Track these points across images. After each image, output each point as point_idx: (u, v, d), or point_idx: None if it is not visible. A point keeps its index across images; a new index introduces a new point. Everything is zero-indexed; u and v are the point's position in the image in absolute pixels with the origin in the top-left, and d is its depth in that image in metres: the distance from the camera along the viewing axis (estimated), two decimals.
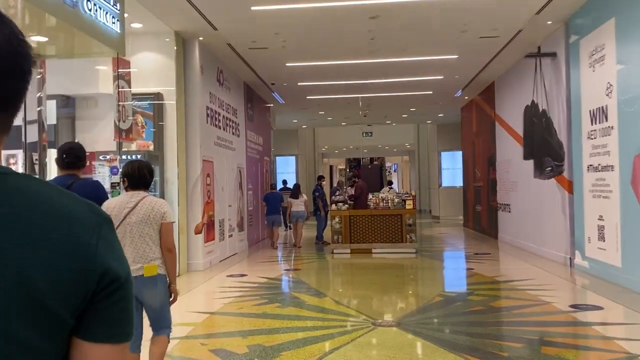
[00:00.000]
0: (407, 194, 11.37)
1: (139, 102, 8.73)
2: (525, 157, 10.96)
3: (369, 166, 14.12)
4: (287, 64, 10.88)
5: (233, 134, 11.73)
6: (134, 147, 8.39)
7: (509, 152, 12.11)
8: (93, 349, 0.76)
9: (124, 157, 8.08)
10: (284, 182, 17.18)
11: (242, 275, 8.46)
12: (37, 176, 6.44)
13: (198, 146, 9.28)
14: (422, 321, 5.48)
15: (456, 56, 10.51)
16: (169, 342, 3.45)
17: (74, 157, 3.40)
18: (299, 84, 12.87)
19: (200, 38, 9.20)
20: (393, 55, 10.38)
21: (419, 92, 14.25)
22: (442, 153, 22.36)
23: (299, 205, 12.45)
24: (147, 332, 3.37)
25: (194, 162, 9.23)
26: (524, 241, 11.11)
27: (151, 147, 8.67)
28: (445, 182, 22.22)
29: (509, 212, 12.30)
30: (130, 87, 8.08)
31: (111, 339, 0.78)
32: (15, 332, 0.69)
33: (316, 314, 5.83)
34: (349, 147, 34.49)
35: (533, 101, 10.46)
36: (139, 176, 3.29)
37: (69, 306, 0.73)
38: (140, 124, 8.73)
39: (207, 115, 9.84)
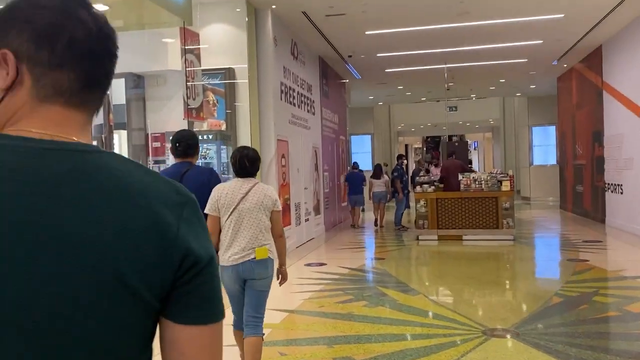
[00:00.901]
0: (503, 173, 10.15)
1: (210, 79, 8.13)
2: None
3: (456, 143, 12.88)
4: (366, 32, 9.91)
5: (308, 111, 10.97)
6: (205, 126, 7.82)
7: (622, 125, 10.51)
8: (183, 331, 0.77)
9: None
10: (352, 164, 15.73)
11: (321, 265, 7.73)
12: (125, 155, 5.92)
13: (272, 125, 8.59)
14: (545, 331, 4.47)
15: (561, 15, 9.09)
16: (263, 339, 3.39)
17: (185, 146, 3.43)
18: (378, 55, 11.85)
19: (273, 6, 8.43)
20: (486, 17, 9.13)
21: (512, 60, 12.79)
22: (533, 128, 20.51)
23: (380, 186, 12.06)
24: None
25: (268, 142, 8.55)
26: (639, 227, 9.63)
27: (223, 127, 8.07)
28: (536, 161, 20.42)
29: (621, 193, 10.74)
30: (199, 62, 7.47)
31: (200, 320, 0.78)
32: (96, 310, 0.70)
33: (411, 318, 4.97)
34: (426, 124, 32.95)
35: None
36: (240, 167, 3.31)
37: (151, 287, 0.73)
38: (211, 102, 8.14)
39: (281, 91, 9.12)
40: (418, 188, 10.50)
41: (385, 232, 11.86)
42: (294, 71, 9.86)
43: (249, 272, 3.22)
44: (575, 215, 13.92)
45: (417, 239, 10.21)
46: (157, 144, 8.56)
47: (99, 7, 5.56)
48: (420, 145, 47.97)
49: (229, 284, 3.28)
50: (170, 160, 7.45)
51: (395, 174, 12.38)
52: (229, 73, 8.17)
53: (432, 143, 40.52)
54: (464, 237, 10.03)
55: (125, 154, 8.03)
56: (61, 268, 0.69)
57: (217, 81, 8.20)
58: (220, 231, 3.28)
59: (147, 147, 8.60)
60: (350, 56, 11.90)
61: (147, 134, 8.59)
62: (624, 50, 10.45)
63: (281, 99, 9.10)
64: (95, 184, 0.73)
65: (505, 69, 14.05)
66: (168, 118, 8.37)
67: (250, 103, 8.24)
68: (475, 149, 41.57)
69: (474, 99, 23.74)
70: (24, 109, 0.76)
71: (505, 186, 9.92)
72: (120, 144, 8.58)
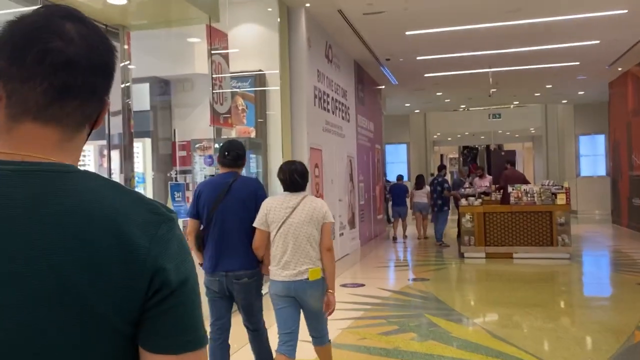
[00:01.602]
0: (557, 185, 9.24)
1: (239, 83, 7.57)
2: None
3: (503, 152, 11.98)
4: (406, 33, 9.20)
5: (343, 118, 10.31)
6: (234, 134, 7.23)
7: None
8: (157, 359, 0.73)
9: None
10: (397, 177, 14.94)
11: (359, 286, 7.01)
12: (105, 176, 5.44)
13: (305, 132, 7.96)
14: None
15: (625, 11, 8.20)
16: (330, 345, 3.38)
17: (235, 155, 3.39)
18: (417, 58, 11.12)
19: (307, 5, 7.83)
20: (540, 14, 8.31)
21: (564, 62, 11.86)
22: (579, 137, 19.33)
23: (422, 197, 11.70)
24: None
25: (301, 151, 7.91)
26: None
27: (253, 134, 7.47)
28: (584, 172, 19.21)
29: None
30: (228, 64, 6.90)
31: (171, 349, 0.74)
32: (67, 340, 0.68)
33: (470, 356, 4.20)
34: (463, 133, 31.91)
35: None
36: (290, 182, 3.24)
37: (120, 311, 0.71)
38: (240, 108, 7.56)
39: (315, 96, 8.49)
40: (463, 201, 9.68)
41: (425, 248, 11.05)
42: (328, 75, 9.23)
43: (301, 292, 3.15)
44: (632, 231, 12.80)
45: (463, 256, 9.38)
46: (184, 153, 8.02)
47: (116, 2, 5.04)
48: (457, 155, 46.73)
49: (278, 299, 3.20)
50: (198, 170, 6.90)
51: (446, 185, 11.47)
52: (259, 77, 7.58)
53: (469, 154, 39.19)
54: (515, 255, 9.15)
55: (149, 163, 7.51)
56: (23, 298, 0.67)
57: (246, 85, 7.62)
58: (268, 245, 3.23)
59: (174, 156, 8.08)
60: (388, 59, 11.21)
61: (174, 142, 8.08)
62: None
63: (315, 105, 8.46)
64: (62, 207, 0.71)
65: (553, 73, 13.11)
66: (195, 125, 7.83)
67: (282, 109, 7.63)
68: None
69: (515, 106, 22.68)
70: (2, 129, 0.76)
71: (561, 199, 9.01)
72: (145, 152, 8.08)
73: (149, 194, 6.70)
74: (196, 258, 3.41)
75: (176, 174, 6.31)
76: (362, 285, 7.06)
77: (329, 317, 3.35)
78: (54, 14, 0.77)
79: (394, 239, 12.15)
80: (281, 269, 3.15)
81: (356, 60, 11.33)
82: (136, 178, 5.84)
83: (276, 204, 3.21)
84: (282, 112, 7.61)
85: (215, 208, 3.30)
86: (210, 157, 5.63)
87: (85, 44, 0.76)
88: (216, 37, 6.77)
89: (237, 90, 7.50)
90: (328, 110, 9.23)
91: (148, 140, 8.07)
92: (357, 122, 11.55)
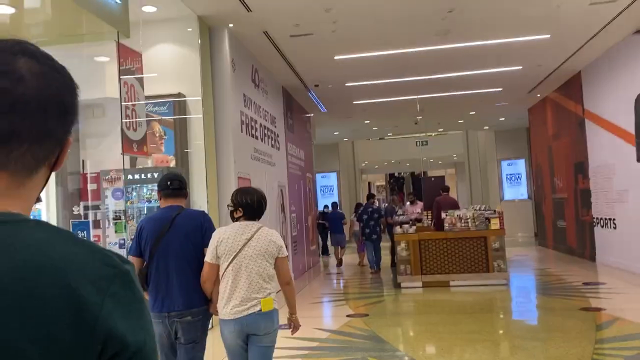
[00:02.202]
0: (491, 210, 9.16)
1: (156, 107, 6.88)
2: None
3: (432, 179, 11.97)
4: (335, 57, 8.92)
5: (272, 146, 9.80)
6: (150, 163, 6.51)
7: (612, 155, 9.78)
8: None
9: (137, 176, 6.22)
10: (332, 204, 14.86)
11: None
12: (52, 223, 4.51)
13: (232, 160, 7.35)
14: None
15: (547, 36, 8.36)
16: None
17: (178, 185, 3.30)
18: (346, 84, 10.89)
19: (230, 25, 7.33)
20: (467, 37, 8.29)
21: (487, 89, 12.07)
22: (502, 162, 19.94)
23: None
24: None
25: (228, 180, 7.29)
26: None
27: (172, 163, 6.78)
28: (507, 196, 19.77)
29: (614, 228, 9.92)
30: (142, 86, 6.23)
31: None
32: None
33: None
34: (389, 161, 32.38)
35: None
36: (256, 207, 3.13)
37: None
38: (158, 134, 6.86)
39: (242, 122, 7.93)
40: (398, 229, 9.37)
41: (360, 277, 10.63)
42: (255, 101, 8.72)
43: (254, 326, 2.95)
44: (559, 253, 13.07)
45: (400, 286, 9.02)
46: (94, 186, 7.16)
47: (3, 10, 4.30)
48: (383, 183, 47.41)
49: (230, 340, 2.98)
50: (111, 205, 6.08)
51: (382, 212, 11.59)
52: (179, 101, 6.94)
53: (395, 183, 39.76)
54: (452, 283, 8.91)
55: (53, 199, 6.61)
56: None
57: (164, 110, 6.95)
58: (217, 281, 3.05)
59: (84, 190, 7.19)
60: (317, 85, 10.89)
61: (84, 174, 7.20)
62: (608, 74, 9.82)
63: (242, 131, 7.90)
64: (4, 261, 0.65)
65: (477, 99, 13.36)
66: (107, 155, 7.02)
67: (205, 135, 7.00)
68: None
69: (438, 133, 23.22)
70: None
71: (495, 224, 8.92)
72: (48, 187, 7.15)
73: None
74: None
75: (79, 210, 5.48)
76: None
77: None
78: (5, 49, 0.74)
79: (340, 263, 12.60)
80: (231, 305, 2.95)
81: (284, 86, 10.93)
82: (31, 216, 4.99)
83: (229, 235, 3.01)
84: (205, 138, 6.99)
85: (158, 244, 3.16)
86: (120, 190, 4.89)
87: (36, 82, 0.73)
88: (128, 56, 6.10)
89: (154, 114, 6.81)
90: (257, 138, 8.69)
91: (52, 174, 7.17)
92: (288, 150, 11.08)
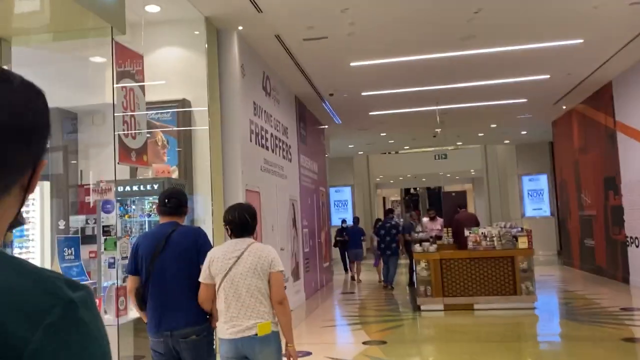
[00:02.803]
0: (519, 228, 8.51)
1: (159, 114, 6.42)
2: None
3: (453, 194, 11.36)
4: (351, 64, 8.41)
5: (284, 157, 9.29)
6: (150, 173, 6.02)
7: None
8: None
9: (135, 187, 5.73)
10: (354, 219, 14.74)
11: (306, 354, 5.82)
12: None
13: (239, 171, 6.84)
14: None
15: (580, 40, 7.77)
16: None
17: (176, 203, 3.22)
18: (362, 93, 10.37)
19: (240, 27, 6.87)
20: (493, 42, 7.74)
21: (511, 99, 11.47)
22: (523, 177, 19.22)
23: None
24: None
25: (235, 193, 6.76)
26: None
27: (175, 174, 6.28)
28: (527, 212, 19.00)
29: None
30: (143, 91, 5.77)
31: None
32: None
33: None
34: (405, 176, 31.74)
35: None
36: (240, 223, 2.99)
37: None
38: (160, 143, 6.38)
39: (252, 131, 7.43)
40: (417, 247, 8.76)
41: (377, 297, 10.01)
42: (266, 109, 8.23)
43: (250, 350, 2.83)
44: (586, 273, 12.31)
45: (419, 308, 8.39)
46: (92, 198, 6.68)
47: None
48: (398, 198, 46.69)
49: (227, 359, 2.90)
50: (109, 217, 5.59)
51: (400, 228, 11.26)
52: (182, 106, 6.46)
53: (410, 199, 38.96)
54: (476, 306, 8.26)
55: (47, 212, 6.15)
56: None
57: (168, 117, 6.48)
58: (215, 299, 2.96)
59: (81, 202, 6.72)
60: (331, 95, 10.38)
61: (81, 186, 6.74)
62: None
63: (251, 141, 7.40)
64: None
65: (499, 111, 12.76)
66: (108, 166, 6.56)
67: (211, 144, 6.51)
68: None
69: (455, 147, 22.58)
70: None
71: (523, 243, 8.27)
72: (43, 199, 6.67)
73: (38, 250, 5.31)
74: (142, 318, 3.23)
75: (65, 225, 4.99)
76: (309, 353, 5.87)
77: None
78: None
79: (352, 278, 12.62)
80: (226, 325, 2.85)
81: (297, 95, 10.45)
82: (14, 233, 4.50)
83: (220, 254, 2.94)
84: (211, 147, 6.49)
85: (154, 262, 3.08)
86: (110, 202, 4.39)
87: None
88: (127, 58, 5.65)
89: (156, 121, 6.34)
90: (267, 148, 8.19)
91: (47, 184, 6.71)
92: (300, 162, 10.56)
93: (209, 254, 2.98)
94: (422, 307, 8.37)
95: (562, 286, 10.75)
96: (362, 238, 12.68)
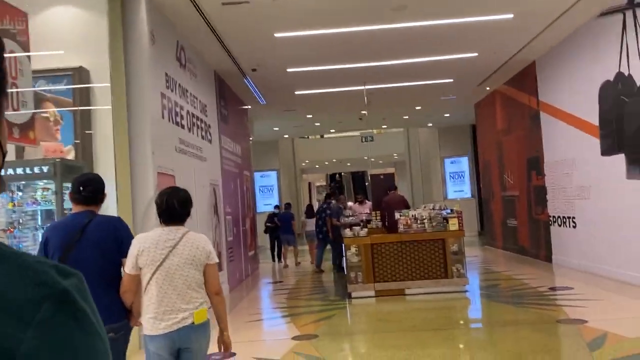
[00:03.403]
0: (448, 210, 8.28)
1: (50, 84, 5.46)
2: (607, 152, 8.03)
3: (381, 176, 10.98)
4: (275, 35, 7.74)
5: (203, 138, 8.50)
6: (39, 153, 5.08)
7: (572, 149, 9.19)
8: None
9: (20, 169, 4.80)
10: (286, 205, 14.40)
11: (229, 357, 5.19)
12: None
13: (149, 152, 6.02)
14: None
15: (510, 15, 7.57)
16: None
17: (92, 191, 2.97)
18: (288, 70, 9.73)
19: None
20: (425, 14, 7.37)
21: (438, 79, 11.29)
22: (445, 160, 19.45)
23: (311, 225, 12.06)
24: None
25: (144, 176, 5.96)
26: (606, 266, 8.15)
27: (71, 155, 5.38)
28: (450, 194, 19.29)
29: (573, 227, 9.34)
30: (29, 57, 4.82)
31: None
32: None
33: None
34: (331, 160, 31.57)
35: (620, 73, 7.56)
36: (167, 209, 2.78)
37: None
38: (52, 118, 5.43)
39: (164, 106, 6.61)
40: (347, 232, 8.32)
41: (307, 290, 9.53)
42: (181, 83, 7.41)
43: (185, 341, 2.69)
44: (509, 253, 12.51)
45: (350, 296, 7.98)
46: None
47: None
48: (324, 183, 46.58)
49: (158, 357, 2.68)
50: None
51: (329, 211, 10.91)
52: (79, 75, 5.54)
53: (336, 186, 38.70)
54: (407, 291, 7.97)
55: None
56: None
57: (61, 87, 5.53)
58: (138, 291, 2.76)
59: None
60: (254, 70, 9.65)
61: None
62: (565, 65, 9.22)
63: (163, 117, 6.58)
64: None
65: (425, 92, 12.60)
66: None
67: (115, 119, 5.65)
68: None
69: (381, 130, 22.54)
70: None
71: (453, 225, 8.05)
72: None
73: None
74: None
75: None
76: (233, 355, 5.24)
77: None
78: None
79: (286, 265, 12.51)
80: (159, 320, 2.67)
81: (217, 71, 9.64)
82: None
83: (150, 243, 2.74)
84: (115, 124, 5.63)
85: (67, 257, 2.81)
86: None
87: None
88: (6, 14, 4.70)
89: (47, 93, 5.39)
90: (183, 127, 7.38)
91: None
92: (222, 144, 9.78)
93: (136, 243, 2.77)
94: (353, 295, 7.97)
95: (488, 267, 10.78)
96: (293, 222, 12.61)
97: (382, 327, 6.09)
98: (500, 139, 13.04)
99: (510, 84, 11.95)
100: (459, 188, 19.15)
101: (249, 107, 12.75)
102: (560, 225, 9.88)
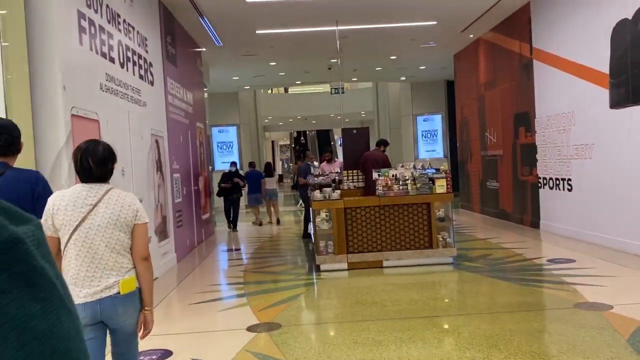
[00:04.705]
0: (433, 169, 7.09)
1: None
2: (617, 104, 6.94)
3: (354, 131, 9.73)
4: None
5: (142, 78, 6.96)
6: None
7: (572, 101, 8.08)
8: None
9: None
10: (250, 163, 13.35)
11: (164, 355, 3.92)
12: None
13: (59, 87, 4.52)
14: None
15: None
16: None
17: (6, 140, 2.64)
18: (247, 0, 8.18)
19: None
20: None
21: (421, 21, 9.93)
22: (417, 118, 18.29)
23: (271, 184, 12.40)
24: None
25: (53, 120, 4.47)
26: (605, 235, 7.21)
27: None
28: (422, 154, 18.25)
29: (569, 189, 8.34)
30: None
31: None
32: None
33: None
34: (295, 117, 30.07)
35: None
36: (81, 169, 2.43)
37: None
38: None
39: (82, 28, 5.05)
40: (317, 194, 7.04)
41: (266, 251, 8.30)
42: (109, 4, 5.82)
43: (110, 313, 2.38)
44: (488, 217, 11.57)
45: (319, 269, 6.79)
46: None
47: None
48: (288, 143, 45.02)
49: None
50: None
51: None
52: None
53: (300, 150, 36.94)
54: (385, 263, 6.83)
55: None
56: None
57: None
58: (59, 255, 2.39)
59: None
60: None
61: None
62: (567, 6, 8.02)
63: (82, 44, 5.04)
64: None
65: (403, 38, 11.25)
66: None
67: (4, 37, 4.12)
68: (340, 145, 39.47)
69: (352, 83, 21.14)
70: None
71: (441, 186, 6.88)
72: None
73: None
74: None
75: None
76: (169, 353, 3.97)
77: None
78: None
79: (260, 224, 12.25)
80: (79, 287, 2.34)
81: (163, 0, 8.01)
82: None
83: (67, 202, 2.39)
84: (8, 43, 4.10)
85: None
86: None
87: None
88: None
89: None
90: (112, 60, 5.83)
91: None
92: (167, 88, 8.24)
93: (51, 202, 2.42)
94: (323, 268, 6.79)
95: (470, 233, 9.75)
96: (260, 181, 12.12)
97: (360, 313, 4.91)
98: (483, 93, 11.89)
99: (498, 30, 10.71)
100: (431, 148, 18.13)
101: (204, 49, 11.13)
102: (552, 188, 8.87)
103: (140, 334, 2.52)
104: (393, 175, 6.99)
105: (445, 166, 7.11)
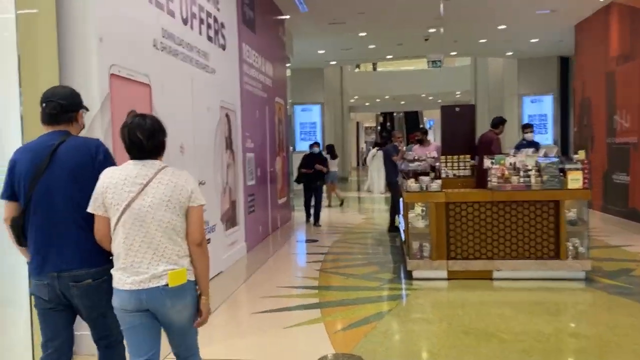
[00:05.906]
0: (565, 156, 5.57)
1: None
2: None
3: (457, 109, 8.25)
4: None
5: (210, 39, 5.96)
6: None
7: None
8: None
9: None
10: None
11: None
12: None
13: (93, 40, 3.56)
14: None
15: None
16: None
17: (56, 107, 2.43)
18: None
19: None
20: None
21: None
22: (524, 99, 16.25)
23: (334, 166, 12.06)
24: None
25: (84, 81, 3.52)
26: None
27: None
28: None
29: None
30: None
31: None
32: None
33: None
34: (383, 97, 28.55)
35: None
36: (130, 143, 2.27)
37: None
38: None
39: None
40: (412, 183, 5.74)
41: (348, 249, 7.16)
42: None
43: (156, 305, 2.20)
44: (614, 217, 9.67)
45: (411, 276, 5.54)
46: None
47: None
48: (373, 125, 43.43)
49: (125, 315, 2.22)
50: None
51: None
52: None
53: (386, 136, 34.97)
54: (496, 275, 5.44)
55: None
56: None
57: None
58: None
59: None
60: None
61: None
62: None
63: None
64: None
65: (516, 3, 9.52)
66: None
67: None
68: (430, 128, 37.13)
69: (449, 57, 19.33)
70: None
71: (575, 181, 5.34)
72: None
73: None
74: (23, 255, 2.46)
75: None
76: None
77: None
78: None
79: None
80: (126, 273, 2.18)
81: None
82: None
83: (117, 179, 2.23)
84: None
85: (35, 183, 2.33)
86: None
87: None
88: None
89: None
90: (171, 13, 4.85)
91: None
92: (243, 55, 7.24)
93: (102, 180, 2.25)
94: (415, 274, 5.52)
95: (598, 237, 7.94)
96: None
97: (471, 351, 3.62)
98: (613, 69, 9.89)
99: None
100: (540, 133, 16.06)
101: (287, 16, 10.04)
102: None
103: (197, 323, 2.31)
104: (511, 164, 5.53)
105: (581, 154, 5.53)
